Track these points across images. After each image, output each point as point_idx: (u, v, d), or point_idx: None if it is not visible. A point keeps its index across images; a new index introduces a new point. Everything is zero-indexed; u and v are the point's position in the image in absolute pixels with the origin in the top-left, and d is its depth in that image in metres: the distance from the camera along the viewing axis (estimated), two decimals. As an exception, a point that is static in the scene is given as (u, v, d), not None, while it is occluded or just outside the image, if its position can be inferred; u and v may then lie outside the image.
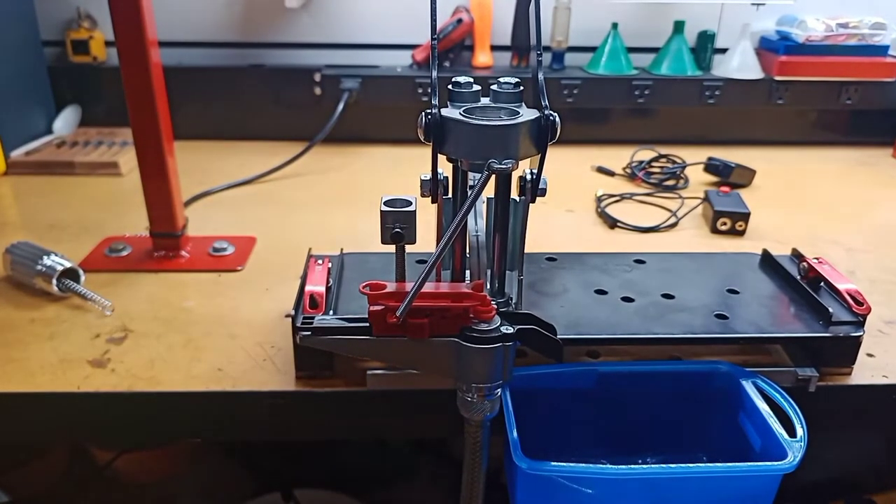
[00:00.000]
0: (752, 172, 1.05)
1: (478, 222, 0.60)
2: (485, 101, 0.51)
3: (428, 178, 0.52)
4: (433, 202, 0.53)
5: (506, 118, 0.48)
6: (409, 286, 0.46)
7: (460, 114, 0.48)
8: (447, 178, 0.54)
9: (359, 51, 1.23)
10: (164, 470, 1.18)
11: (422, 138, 0.48)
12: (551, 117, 0.48)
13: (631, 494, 0.50)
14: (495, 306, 0.47)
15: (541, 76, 0.49)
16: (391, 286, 0.47)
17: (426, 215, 0.53)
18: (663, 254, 0.72)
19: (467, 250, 0.56)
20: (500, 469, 0.58)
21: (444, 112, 0.48)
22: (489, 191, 0.51)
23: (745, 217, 0.87)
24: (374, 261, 0.68)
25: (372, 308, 0.47)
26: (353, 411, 0.58)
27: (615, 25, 1.19)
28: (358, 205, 0.95)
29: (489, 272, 0.57)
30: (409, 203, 0.49)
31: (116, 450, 1.12)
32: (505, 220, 0.55)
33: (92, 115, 1.20)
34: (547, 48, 1.20)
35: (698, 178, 1.07)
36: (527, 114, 0.48)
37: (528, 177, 0.53)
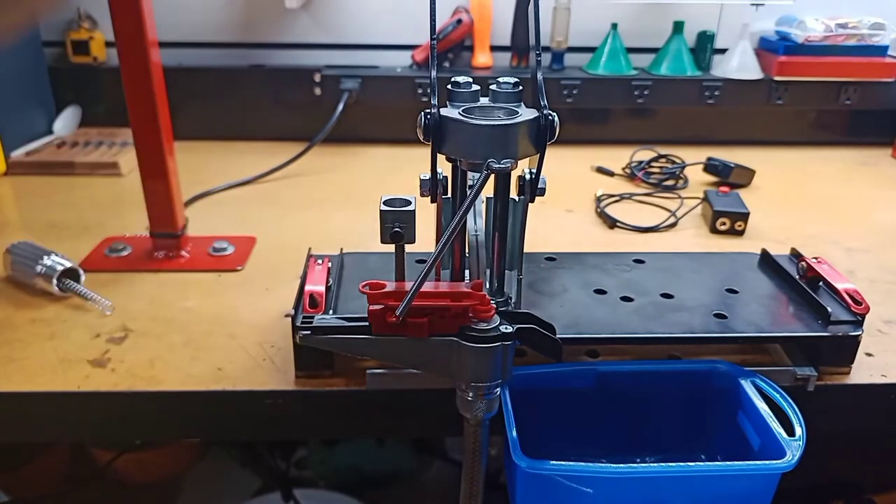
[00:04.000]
0: (752, 172, 1.05)
1: (477, 222, 0.60)
2: (484, 101, 0.52)
3: (427, 177, 0.52)
4: (432, 202, 0.53)
5: (504, 118, 0.48)
6: (408, 286, 0.46)
7: (459, 113, 0.48)
8: (447, 177, 0.54)
9: (359, 51, 1.23)
10: (164, 470, 1.19)
11: (421, 138, 0.48)
12: (550, 117, 0.48)
13: (630, 493, 0.50)
14: (494, 305, 0.47)
15: (539, 76, 0.49)
16: (391, 285, 0.47)
17: (426, 215, 0.53)
18: (662, 253, 0.72)
19: (466, 250, 0.57)
20: (499, 469, 0.59)
21: (444, 112, 0.48)
22: (488, 190, 0.51)
23: (745, 217, 0.87)
24: (374, 260, 0.68)
25: (371, 307, 0.47)
26: (353, 411, 0.58)
27: (615, 26, 1.19)
28: (358, 205, 0.95)
29: (488, 272, 0.57)
30: (408, 203, 0.49)
31: (116, 450, 1.12)
32: (504, 219, 0.55)
33: (92, 116, 1.20)
34: (546, 48, 1.20)
35: (698, 178, 1.07)
36: (526, 113, 0.48)
37: (528, 176, 0.53)
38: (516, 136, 0.47)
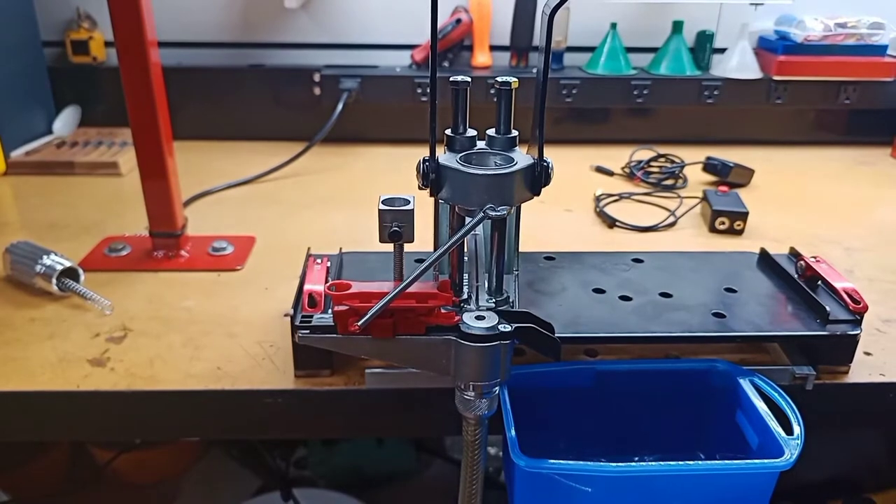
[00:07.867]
0: (751, 172, 1.05)
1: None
2: (481, 144, 0.52)
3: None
4: (431, 195, 0.53)
5: (501, 165, 0.49)
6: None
7: (457, 161, 0.49)
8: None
9: (358, 51, 1.23)
10: (164, 470, 1.19)
11: (419, 184, 0.50)
12: (545, 163, 0.49)
13: (629, 492, 0.50)
14: (456, 311, 0.48)
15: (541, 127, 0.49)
16: (356, 286, 0.47)
17: (424, 214, 0.53)
18: (661, 253, 0.72)
19: (465, 250, 0.56)
20: (499, 468, 0.59)
21: (442, 160, 0.49)
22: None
23: (744, 216, 0.87)
24: (373, 260, 0.68)
25: (336, 308, 0.47)
26: (353, 410, 0.58)
27: (614, 25, 1.19)
28: (357, 205, 0.95)
29: (487, 275, 0.57)
30: (407, 202, 0.49)
31: (116, 450, 1.12)
32: (503, 221, 0.55)
33: (92, 116, 1.20)
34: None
35: (697, 177, 1.07)
36: (521, 160, 0.49)
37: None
38: (512, 184, 0.48)
